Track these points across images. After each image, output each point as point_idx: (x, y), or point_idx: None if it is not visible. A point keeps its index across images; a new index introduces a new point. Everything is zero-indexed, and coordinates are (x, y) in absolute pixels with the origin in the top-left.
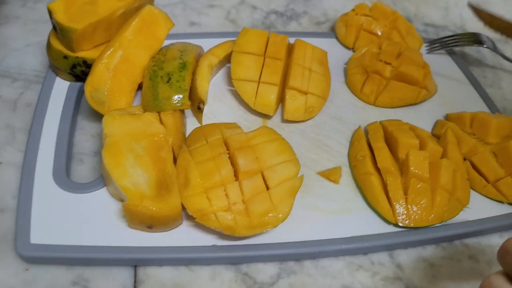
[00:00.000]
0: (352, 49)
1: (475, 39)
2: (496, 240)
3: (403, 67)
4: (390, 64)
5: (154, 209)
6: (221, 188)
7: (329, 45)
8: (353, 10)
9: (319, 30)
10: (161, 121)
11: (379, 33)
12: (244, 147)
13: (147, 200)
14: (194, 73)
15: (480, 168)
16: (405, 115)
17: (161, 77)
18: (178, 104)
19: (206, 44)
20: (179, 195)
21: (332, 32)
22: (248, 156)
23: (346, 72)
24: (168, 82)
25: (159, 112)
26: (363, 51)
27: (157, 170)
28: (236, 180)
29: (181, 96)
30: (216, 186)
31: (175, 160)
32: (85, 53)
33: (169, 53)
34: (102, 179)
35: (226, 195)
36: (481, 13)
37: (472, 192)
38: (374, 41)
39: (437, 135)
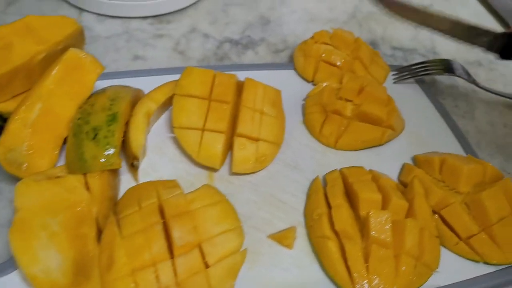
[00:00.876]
0: (312, 82)
1: (446, 66)
2: None
3: (365, 105)
4: (351, 101)
5: None
6: (151, 269)
7: (287, 77)
8: (312, 38)
9: (278, 60)
10: (87, 185)
11: (340, 64)
12: (181, 214)
13: None
14: (128, 124)
15: (451, 223)
16: (369, 159)
17: (87, 132)
18: (106, 164)
19: (150, 82)
20: (100, 280)
21: (292, 61)
22: (185, 226)
23: (304, 110)
24: (94, 138)
25: (85, 174)
26: (322, 86)
27: (75, 251)
28: (170, 257)
29: (110, 153)
30: (146, 266)
31: (100, 233)
32: (1, 106)
33: (97, 102)
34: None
35: (156, 277)
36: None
37: (444, 251)
38: (334, 73)
39: (404, 183)
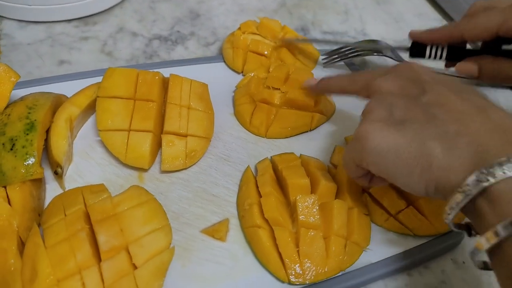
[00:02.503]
0: (242, 73)
1: (374, 47)
2: (404, 280)
3: (291, 92)
4: (278, 89)
5: None
6: (76, 277)
7: (217, 70)
8: (239, 29)
9: (208, 53)
10: (8, 198)
11: (268, 54)
12: (107, 218)
13: None
14: (48, 131)
15: (380, 201)
16: (302, 144)
17: (3, 144)
18: (27, 175)
19: (75, 86)
20: None
21: (221, 54)
22: (111, 230)
23: (234, 102)
24: (12, 149)
25: (5, 187)
26: (250, 76)
27: None
28: (97, 263)
29: (30, 163)
30: (71, 274)
31: (23, 245)
32: None
33: (14, 112)
34: None
35: (83, 284)
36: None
37: (375, 228)
38: (263, 63)
39: (335, 165)
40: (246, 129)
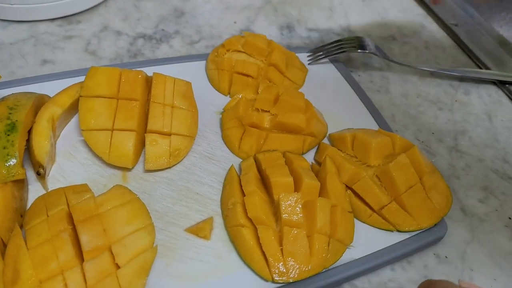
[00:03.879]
0: (229, 95)
1: (358, 44)
2: (387, 275)
3: (282, 115)
4: (268, 111)
5: None
6: (59, 278)
7: (202, 68)
8: (222, 46)
9: (193, 51)
10: None
11: (254, 74)
12: (90, 218)
13: None
14: (31, 132)
15: (363, 196)
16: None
17: None
18: (8, 176)
19: (58, 86)
20: None
21: (207, 49)
22: (94, 230)
23: (221, 125)
24: None
25: None
26: (238, 98)
27: None
28: (80, 263)
29: (11, 164)
30: (53, 275)
31: (5, 247)
32: None
33: None
34: None
35: (65, 285)
36: None
37: (359, 224)
38: (250, 84)
39: (319, 162)
40: (235, 155)
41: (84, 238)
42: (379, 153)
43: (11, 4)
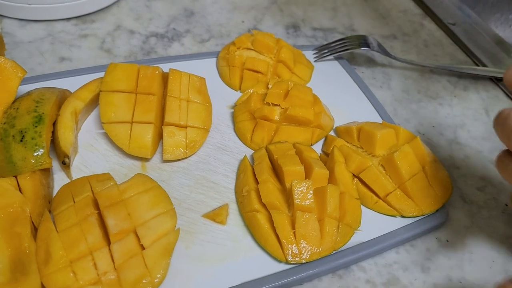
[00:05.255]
0: (239, 90)
1: (361, 42)
2: (392, 257)
3: (292, 109)
4: (278, 105)
5: None
6: (88, 258)
7: (213, 65)
8: (233, 44)
9: (204, 49)
10: (19, 186)
11: (264, 70)
12: (115, 204)
13: None
14: (55, 124)
15: (370, 184)
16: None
17: (13, 136)
18: (37, 165)
19: (77, 82)
20: (39, 275)
21: (217, 47)
22: (119, 214)
23: (233, 118)
24: (21, 141)
25: (16, 176)
26: (249, 93)
27: (11, 250)
28: (107, 245)
29: (39, 154)
30: (83, 256)
31: (36, 230)
32: None
33: (22, 105)
34: None
35: (94, 265)
36: None
37: (366, 210)
38: (260, 80)
39: (326, 153)
40: (247, 146)
41: (110, 222)
42: (384, 144)
43: (29, 4)
